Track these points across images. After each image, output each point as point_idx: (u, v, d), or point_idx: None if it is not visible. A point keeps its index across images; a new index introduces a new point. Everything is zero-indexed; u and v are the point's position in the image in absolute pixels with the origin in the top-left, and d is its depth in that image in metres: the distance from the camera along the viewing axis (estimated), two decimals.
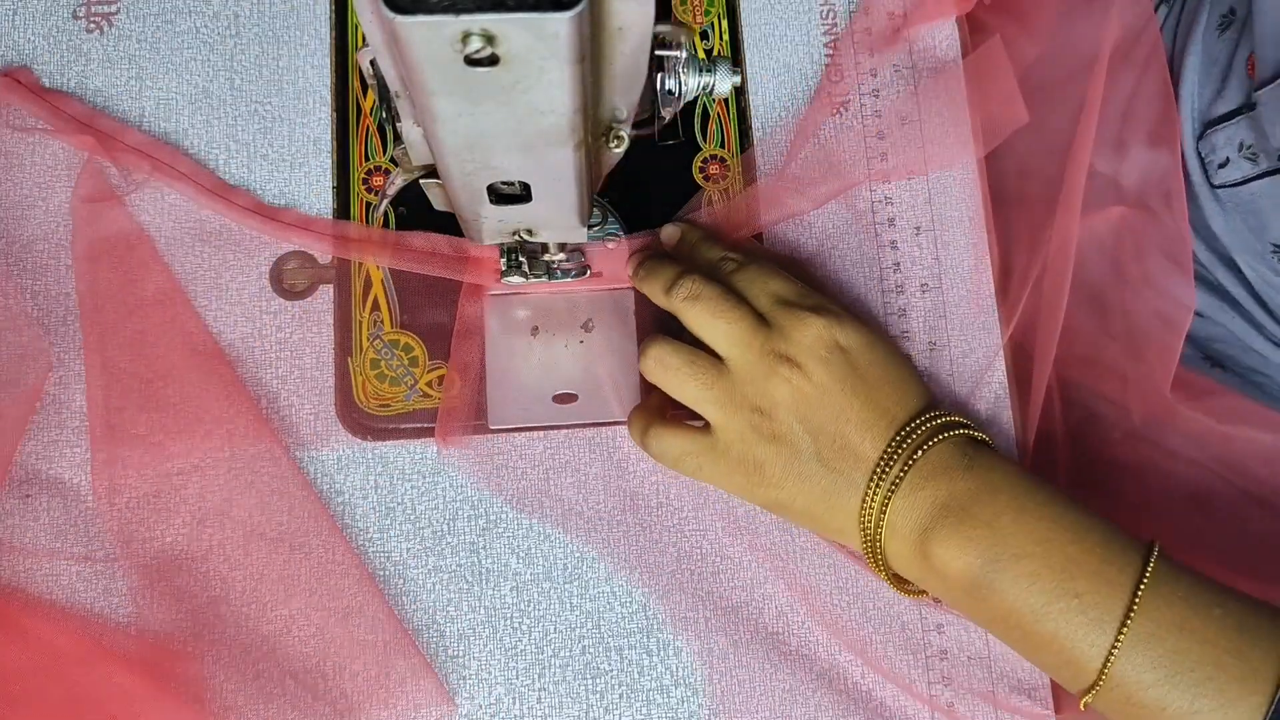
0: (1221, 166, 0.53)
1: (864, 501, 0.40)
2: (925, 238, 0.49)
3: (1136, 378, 0.52)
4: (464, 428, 0.45)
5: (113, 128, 0.47)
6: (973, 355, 0.48)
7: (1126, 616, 0.37)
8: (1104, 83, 0.48)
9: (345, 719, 0.43)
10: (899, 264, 0.48)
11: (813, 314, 0.41)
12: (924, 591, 0.42)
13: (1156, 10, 0.59)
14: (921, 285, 0.48)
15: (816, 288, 0.45)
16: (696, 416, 0.42)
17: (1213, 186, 0.54)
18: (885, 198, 0.49)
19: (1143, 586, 0.37)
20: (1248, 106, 0.50)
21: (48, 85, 0.48)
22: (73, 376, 0.45)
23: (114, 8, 0.49)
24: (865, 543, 0.41)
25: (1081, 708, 0.38)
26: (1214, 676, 0.36)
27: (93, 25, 0.48)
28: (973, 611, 0.40)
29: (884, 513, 0.40)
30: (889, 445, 0.40)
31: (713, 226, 0.47)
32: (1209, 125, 0.53)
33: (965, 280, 0.49)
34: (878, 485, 0.40)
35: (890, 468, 0.40)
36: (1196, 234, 0.57)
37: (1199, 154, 0.55)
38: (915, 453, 0.40)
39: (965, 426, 0.42)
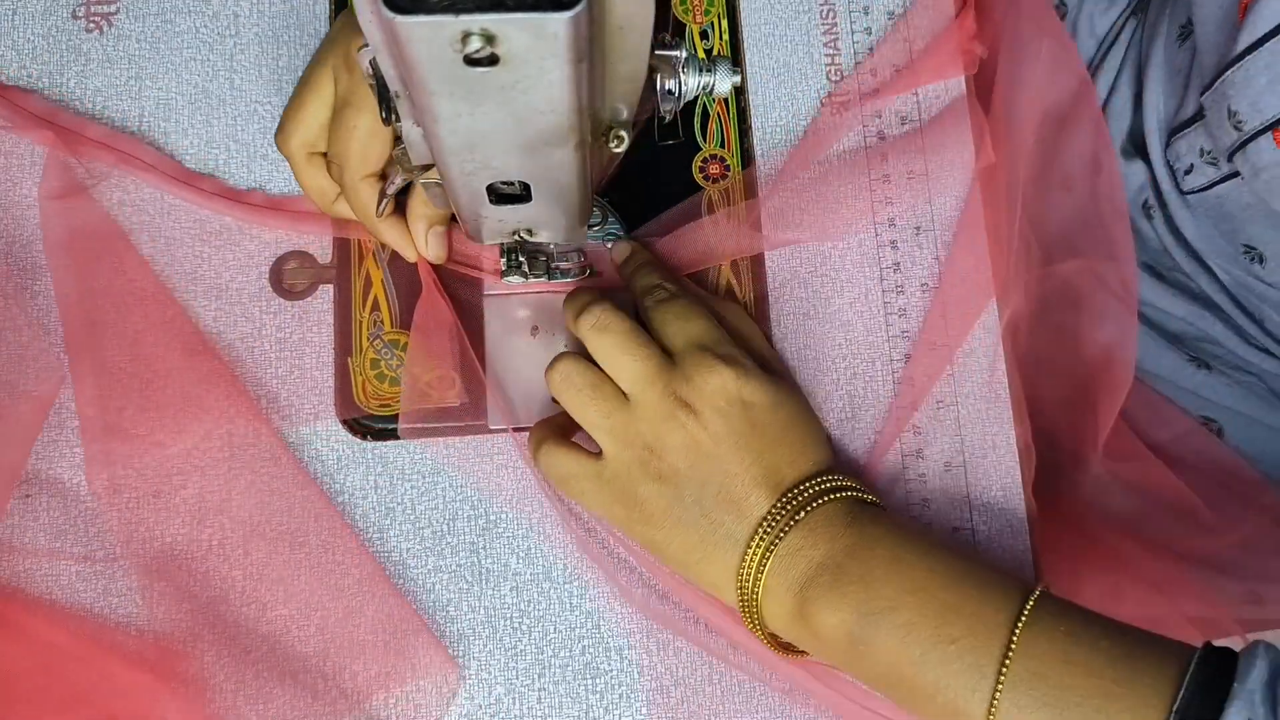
0: (1187, 173, 0.53)
1: (743, 559, 0.40)
2: (925, 238, 0.49)
3: (1081, 430, 0.53)
4: (425, 416, 0.45)
5: (73, 122, 0.47)
6: (973, 355, 0.48)
7: (1005, 657, 0.36)
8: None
9: (347, 714, 0.43)
10: (899, 264, 0.48)
11: (723, 363, 0.40)
12: (804, 653, 0.42)
13: (1128, 22, 0.59)
14: (921, 285, 0.48)
15: (745, 338, 0.44)
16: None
17: (1182, 193, 0.54)
18: (885, 198, 0.49)
19: (1020, 624, 0.36)
20: (1200, 114, 0.50)
21: (47, 85, 0.48)
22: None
23: (113, 7, 0.49)
24: (742, 601, 0.40)
25: None
26: (1103, 708, 0.35)
27: (92, 25, 0.48)
28: (856, 670, 0.40)
29: (761, 572, 0.39)
30: (774, 505, 0.40)
31: (665, 254, 0.47)
32: (1173, 133, 0.54)
33: (965, 280, 0.49)
34: (758, 544, 0.39)
35: (773, 527, 0.39)
36: (1175, 242, 0.57)
37: (1167, 163, 0.55)
38: (799, 513, 0.40)
39: (855, 490, 0.41)
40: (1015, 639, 0.36)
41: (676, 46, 0.37)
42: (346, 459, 0.45)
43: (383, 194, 0.41)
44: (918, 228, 0.49)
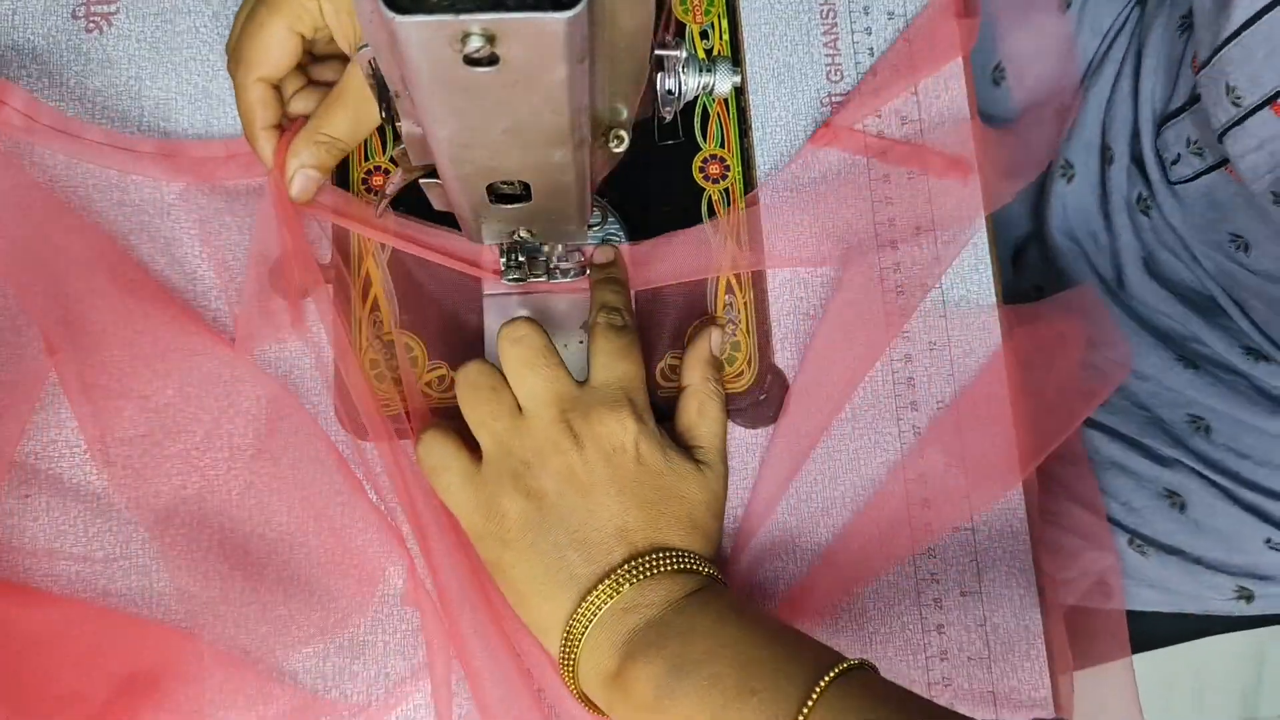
0: (1174, 163, 0.54)
1: (579, 605, 0.38)
2: (925, 238, 0.49)
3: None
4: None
5: None
6: (973, 355, 0.48)
7: (801, 709, 0.34)
8: None
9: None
10: (899, 264, 0.48)
11: (626, 411, 0.40)
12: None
13: (1132, 13, 0.60)
14: (921, 285, 0.48)
15: (698, 418, 0.43)
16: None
17: (1170, 184, 0.55)
18: (885, 197, 0.49)
19: (825, 681, 0.35)
20: (1192, 100, 0.50)
21: (47, 85, 0.48)
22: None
23: (113, 7, 0.49)
24: (563, 649, 0.39)
25: None
26: None
27: (92, 25, 0.48)
28: None
29: (590, 623, 0.38)
30: (626, 561, 0.39)
31: (662, 259, 0.46)
32: (1162, 123, 0.54)
33: (965, 280, 0.49)
34: (598, 594, 0.38)
35: (617, 581, 0.38)
36: (1169, 233, 0.57)
37: (1157, 152, 0.55)
38: (647, 573, 0.39)
39: (718, 577, 0.40)
40: (817, 692, 0.34)
41: (677, 46, 0.37)
42: (346, 459, 0.45)
43: (382, 194, 0.41)
44: (918, 228, 0.49)
